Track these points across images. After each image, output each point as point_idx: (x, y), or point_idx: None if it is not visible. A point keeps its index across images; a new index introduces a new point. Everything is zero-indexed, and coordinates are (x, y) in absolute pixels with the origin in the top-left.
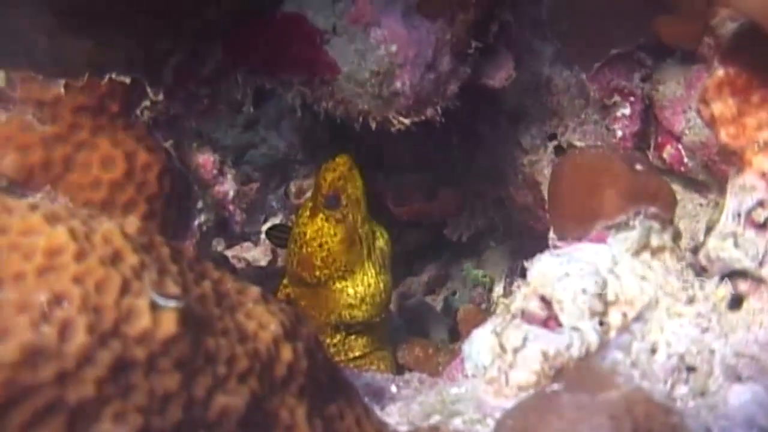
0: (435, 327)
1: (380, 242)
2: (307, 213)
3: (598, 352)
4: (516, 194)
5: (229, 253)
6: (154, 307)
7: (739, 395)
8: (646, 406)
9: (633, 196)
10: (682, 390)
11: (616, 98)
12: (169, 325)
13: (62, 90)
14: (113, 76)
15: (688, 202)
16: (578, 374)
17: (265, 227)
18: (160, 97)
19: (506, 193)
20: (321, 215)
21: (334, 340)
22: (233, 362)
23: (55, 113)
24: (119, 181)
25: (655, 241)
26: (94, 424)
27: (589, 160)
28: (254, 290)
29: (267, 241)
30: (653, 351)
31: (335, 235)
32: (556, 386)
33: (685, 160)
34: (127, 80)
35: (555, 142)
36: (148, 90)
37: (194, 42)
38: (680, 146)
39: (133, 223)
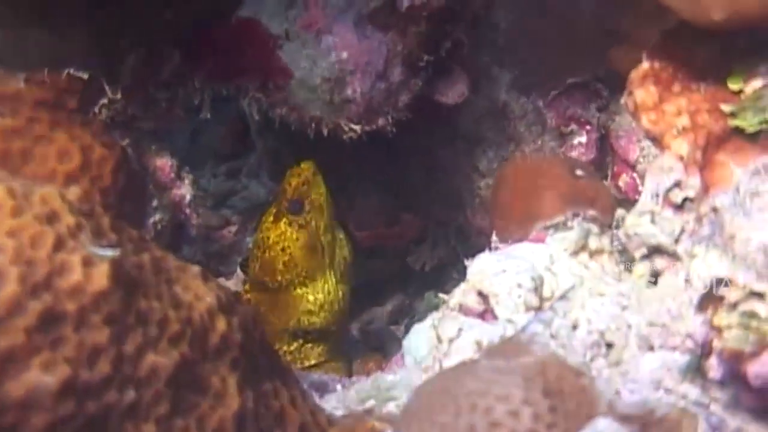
0: (394, 350)
1: (343, 252)
2: (271, 218)
3: (520, 329)
4: (473, 218)
5: None
6: (86, 263)
7: (649, 362)
8: (558, 369)
9: (572, 197)
10: (599, 363)
11: (573, 126)
12: (100, 280)
13: (22, 84)
14: (71, 71)
15: None
16: (499, 346)
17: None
18: (118, 95)
19: (464, 218)
20: (284, 220)
21: (291, 348)
22: (165, 325)
23: (15, 107)
24: (74, 173)
25: (593, 244)
26: (23, 371)
27: (530, 165)
28: (195, 268)
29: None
30: (574, 327)
31: (297, 240)
32: (476, 356)
33: (640, 188)
34: (85, 76)
35: None
36: (106, 87)
37: (152, 42)
38: (635, 175)
39: (74, 191)
